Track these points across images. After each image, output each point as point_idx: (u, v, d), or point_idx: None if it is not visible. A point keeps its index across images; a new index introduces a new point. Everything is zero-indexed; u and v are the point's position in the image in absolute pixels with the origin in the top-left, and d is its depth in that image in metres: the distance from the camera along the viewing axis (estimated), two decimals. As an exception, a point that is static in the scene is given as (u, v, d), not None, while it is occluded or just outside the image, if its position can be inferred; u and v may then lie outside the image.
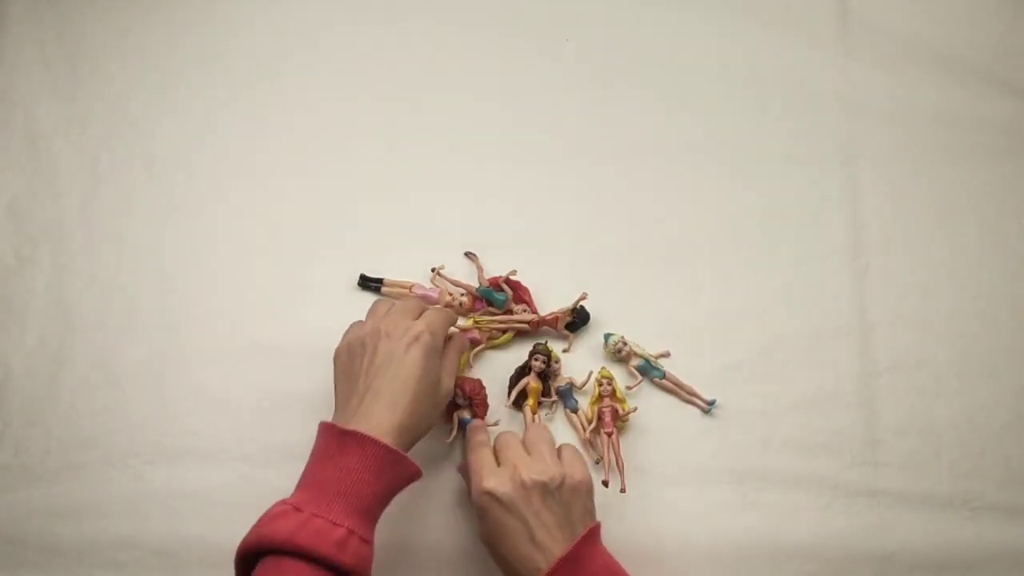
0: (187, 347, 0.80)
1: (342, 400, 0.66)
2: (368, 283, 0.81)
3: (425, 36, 0.91)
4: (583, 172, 0.87)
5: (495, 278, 0.80)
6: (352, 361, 0.67)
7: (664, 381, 0.79)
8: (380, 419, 0.62)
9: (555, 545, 0.61)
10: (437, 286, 0.81)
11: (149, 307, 0.81)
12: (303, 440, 0.71)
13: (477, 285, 0.81)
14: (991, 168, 0.88)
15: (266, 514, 0.60)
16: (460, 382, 0.74)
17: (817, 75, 0.91)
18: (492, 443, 0.69)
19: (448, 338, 0.71)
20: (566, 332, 0.80)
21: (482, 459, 0.66)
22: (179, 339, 0.80)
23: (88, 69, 0.89)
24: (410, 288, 0.80)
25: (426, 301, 0.80)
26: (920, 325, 0.82)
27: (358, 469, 0.60)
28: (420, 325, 0.67)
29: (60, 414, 0.77)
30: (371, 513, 0.61)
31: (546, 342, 0.78)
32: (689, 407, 0.79)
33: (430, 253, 0.82)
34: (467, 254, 0.82)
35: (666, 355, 0.80)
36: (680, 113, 0.89)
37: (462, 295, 0.80)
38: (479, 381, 0.76)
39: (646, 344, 0.80)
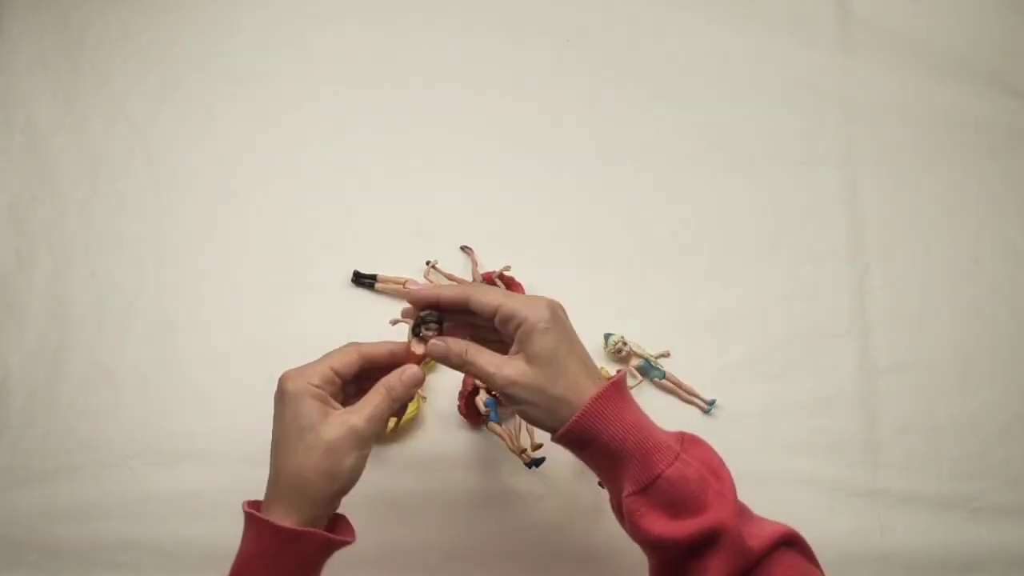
0: (186, 347, 0.80)
1: None
2: (362, 280, 0.81)
3: (424, 35, 0.91)
4: (582, 171, 0.87)
5: (489, 273, 0.80)
6: None
7: (664, 381, 0.79)
8: (272, 495, 0.58)
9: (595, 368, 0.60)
10: (431, 280, 0.81)
11: (148, 307, 0.81)
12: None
13: (471, 280, 0.81)
14: (991, 168, 0.88)
15: None
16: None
17: (817, 75, 0.91)
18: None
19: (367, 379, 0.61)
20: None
21: (502, 290, 0.62)
22: (178, 339, 0.80)
23: (88, 70, 0.89)
24: (403, 284, 0.80)
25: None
26: (920, 325, 0.83)
27: (256, 553, 0.57)
28: (284, 374, 0.59)
29: (59, 415, 0.78)
30: None
31: None
32: (689, 407, 0.79)
33: (427, 250, 0.82)
34: (463, 248, 0.82)
35: (666, 355, 0.80)
36: (680, 113, 0.89)
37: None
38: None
39: (646, 344, 0.79)
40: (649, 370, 0.79)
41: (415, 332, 0.61)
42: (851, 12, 0.93)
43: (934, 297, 0.84)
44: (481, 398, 0.75)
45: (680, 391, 0.78)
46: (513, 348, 0.59)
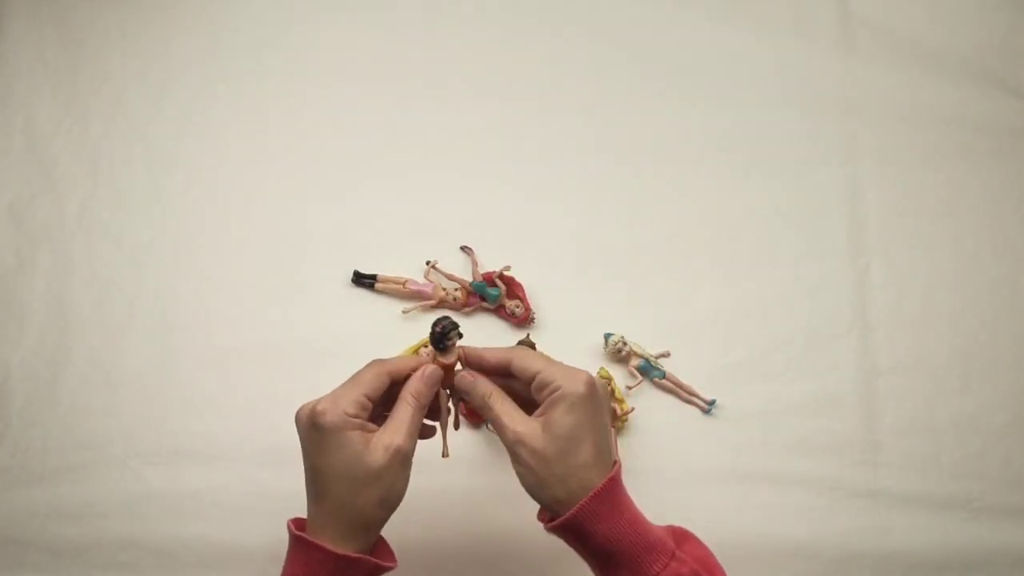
0: (186, 347, 0.80)
1: None
2: (362, 280, 0.81)
3: (424, 34, 0.91)
4: (582, 170, 0.87)
5: (489, 273, 0.80)
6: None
7: (664, 381, 0.79)
8: (323, 522, 0.57)
9: (610, 455, 0.58)
10: (431, 280, 0.81)
11: (148, 307, 0.81)
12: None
13: (471, 280, 0.81)
14: (991, 168, 0.88)
15: None
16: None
17: (817, 75, 0.91)
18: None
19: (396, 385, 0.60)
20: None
21: (543, 356, 0.60)
22: (178, 339, 0.80)
23: (88, 70, 0.89)
24: (403, 284, 0.80)
25: (420, 296, 0.80)
26: (920, 325, 0.82)
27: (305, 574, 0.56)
28: (320, 401, 0.57)
29: (60, 415, 0.78)
30: None
31: (528, 335, 0.78)
32: (689, 407, 0.79)
33: (427, 250, 0.82)
34: (463, 248, 0.82)
35: (666, 355, 0.80)
36: (680, 113, 0.89)
37: (456, 290, 0.80)
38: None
39: (646, 344, 0.79)
40: (649, 370, 0.79)
41: (438, 346, 0.60)
42: (851, 12, 0.93)
43: (934, 297, 0.84)
44: None
45: (680, 391, 0.78)
46: (538, 411, 0.57)
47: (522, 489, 0.75)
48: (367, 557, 0.57)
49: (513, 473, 0.75)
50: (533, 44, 0.91)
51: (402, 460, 0.58)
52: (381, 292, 0.81)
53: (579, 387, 0.56)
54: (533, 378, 0.58)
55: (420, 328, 0.79)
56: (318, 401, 0.57)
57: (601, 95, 0.90)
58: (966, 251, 0.85)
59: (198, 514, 0.74)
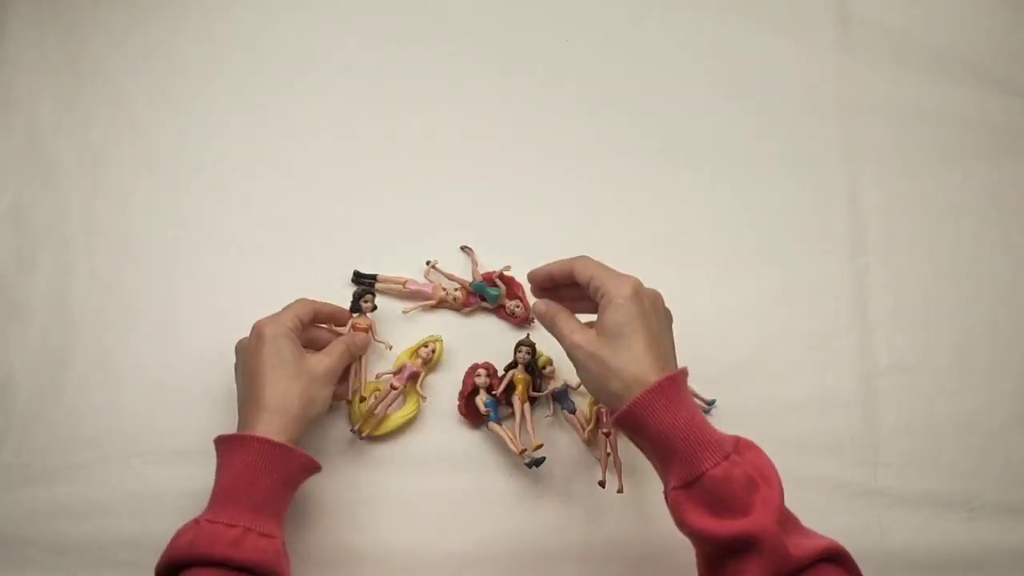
0: (188, 346, 0.80)
1: (238, 411, 0.69)
2: (361, 279, 0.81)
3: (424, 35, 0.91)
4: (581, 170, 0.87)
5: (489, 273, 0.80)
6: (236, 371, 0.72)
7: None
8: (255, 419, 0.65)
9: (671, 362, 0.63)
10: (431, 280, 0.81)
11: (149, 307, 0.81)
12: (302, 439, 0.72)
13: (471, 279, 0.81)
14: (991, 168, 0.88)
15: (173, 535, 0.62)
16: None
17: (817, 75, 0.91)
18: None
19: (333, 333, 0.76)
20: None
21: (602, 265, 0.66)
22: (179, 339, 0.80)
23: (88, 70, 0.89)
24: (404, 284, 0.81)
25: (420, 296, 0.80)
26: (920, 325, 0.82)
27: (244, 469, 0.63)
28: (260, 321, 0.70)
29: (61, 414, 0.78)
30: (269, 508, 0.63)
31: (528, 335, 0.78)
32: (689, 407, 0.79)
33: (427, 250, 0.82)
34: (463, 248, 0.82)
35: None
36: (680, 113, 0.89)
37: (456, 290, 0.80)
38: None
39: None
40: None
41: (355, 308, 0.77)
42: (851, 12, 0.93)
43: (934, 297, 0.84)
44: (481, 398, 0.75)
45: None
46: (596, 319, 0.63)
47: (523, 489, 0.76)
48: (300, 449, 0.65)
49: (512, 474, 0.76)
50: (533, 44, 0.91)
51: (330, 375, 0.71)
52: (381, 292, 0.81)
53: (624, 290, 0.62)
54: (588, 282, 0.64)
55: (420, 328, 0.80)
56: (256, 323, 0.70)
57: (601, 95, 0.90)
58: (966, 251, 0.85)
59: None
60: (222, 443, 0.65)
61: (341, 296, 0.81)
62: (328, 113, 0.88)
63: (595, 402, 0.76)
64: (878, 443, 0.78)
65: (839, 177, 0.87)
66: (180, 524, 0.73)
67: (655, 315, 0.63)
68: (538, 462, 0.73)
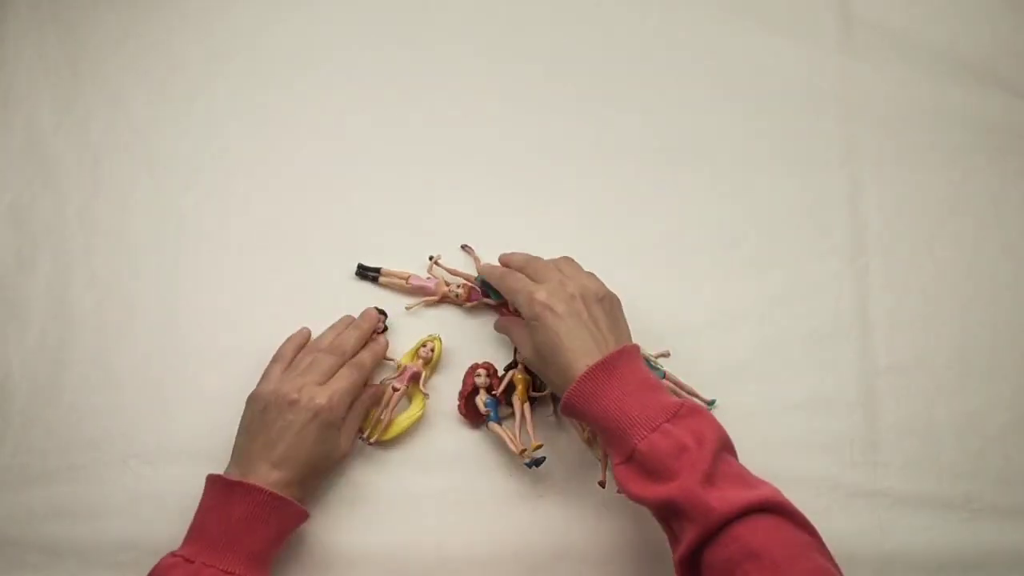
0: (187, 347, 0.80)
1: (237, 453, 0.70)
2: (366, 272, 0.81)
3: (424, 34, 0.91)
4: (580, 171, 0.87)
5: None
6: (258, 418, 0.70)
7: (664, 381, 0.78)
8: (268, 474, 0.67)
9: (607, 345, 0.67)
10: (434, 276, 0.81)
11: (149, 307, 0.81)
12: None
13: (475, 275, 0.80)
14: (992, 168, 0.88)
15: (156, 568, 0.63)
16: (465, 377, 0.77)
17: (817, 75, 0.91)
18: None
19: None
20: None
21: (522, 280, 0.71)
22: (179, 339, 0.80)
23: (88, 69, 0.89)
24: (407, 279, 0.80)
25: (422, 292, 0.81)
26: (920, 325, 0.82)
27: (244, 517, 0.64)
28: (323, 399, 0.70)
29: (60, 414, 0.78)
30: (261, 558, 0.65)
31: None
32: (689, 407, 0.79)
33: (428, 249, 0.82)
34: (463, 247, 0.82)
35: (666, 355, 0.80)
36: (680, 113, 0.89)
37: (458, 286, 0.80)
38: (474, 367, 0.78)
39: (646, 344, 0.79)
40: (649, 369, 0.78)
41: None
42: (852, 12, 0.93)
43: (935, 297, 0.83)
44: (481, 398, 0.75)
45: (680, 391, 0.78)
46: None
47: (523, 489, 0.76)
48: (296, 503, 0.67)
49: (512, 474, 0.76)
50: (534, 44, 0.91)
51: (346, 455, 0.74)
52: (384, 287, 0.81)
53: (531, 311, 0.68)
54: (511, 296, 0.72)
55: (419, 327, 0.79)
56: (319, 392, 0.70)
57: (601, 95, 0.90)
58: (966, 251, 0.85)
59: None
60: (223, 485, 0.66)
61: (342, 295, 0.81)
62: (328, 112, 0.88)
63: (595, 402, 0.76)
64: (878, 443, 0.78)
65: (839, 177, 0.87)
66: (179, 525, 0.73)
67: (572, 315, 0.67)
68: (538, 462, 0.73)
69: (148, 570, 0.71)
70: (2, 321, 0.81)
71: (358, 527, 0.74)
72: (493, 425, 0.74)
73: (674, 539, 0.61)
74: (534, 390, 0.77)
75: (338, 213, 0.85)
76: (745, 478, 0.61)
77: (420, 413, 0.76)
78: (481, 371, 0.76)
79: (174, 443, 0.77)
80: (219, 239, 0.84)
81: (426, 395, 0.77)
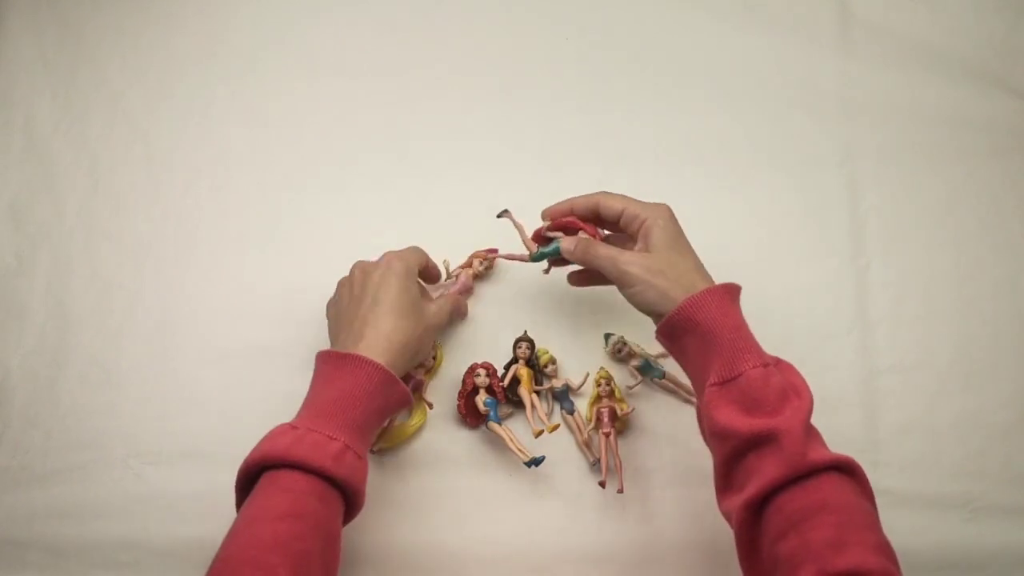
0: (187, 347, 0.80)
1: (334, 338, 0.71)
2: None
3: (426, 31, 0.92)
4: (581, 171, 0.86)
5: (538, 230, 0.75)
6: (339, 304, 0.72)
7: (664, 381, 0.78)
8: (369, 342, 0.66)
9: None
10: (457, 271, 0.81)
11: (148, 307, 0.81)
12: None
13: (524, 245, 0.76)
14: (991, 168, 0.88)
15: (266, 436, 0.63)
16: (464, 377, 0.77)
17: (817, 75, 0.91)
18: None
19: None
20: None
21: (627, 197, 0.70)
22: (179, 339, 0.80)
23: (87, 69, 0.89)
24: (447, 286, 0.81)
25: (465, 291, 0.81)
26: (921, 325, 0.82)
27: (353, 389, 0.64)
28: (389, 255, 0.71)
29: (60, 415, 0.78)
30: (365, 430, 0.64)
31: (525, 332, 0.78)
32: (689, 407, 0.79)
33: (428, 250, 0.82)
34: (502, 214, 0.76)
35: (666, 355, 0.79)
36: (680, 113, 0.89)
37: (480, 262, 0.81)
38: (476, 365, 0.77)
39: (646, 344, 0.79)
40: (649, 370, 0.78)
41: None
42: (851, 12, 0.93)
43: (935, 297, 0.83)
44: (481, 398, 0.75)
45: (680, 391, 0.78)
46: (636, 246, 0.67)
47: (523, 489, 0.76)
48: (401, 382, 0.66)
49: (512, 474, 0.76)
50: (534, 43, 0.92)
51: (438, 328, 0.74)
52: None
53: (664, 212, 0.68)
54: (620, 215, 0.68)
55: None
56: (385, 256, 0.72)
57: (600, 95, 0.90)
58: (966, 251, 0.85)
59: (198, 514, 0.74)
60: (333, 357, 0.66)
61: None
62: (328, 112, 0.88)
63: (594, 403, 0.76)
64: (878, 443, 0.78)
65: (839, 177, 0.87)
66: (179, 525, 0.74)
67: (686, 238, 0.69)
68: (538, 461, 0.73)
69: (149, 571, 0.71)
70: (1, 321, 0.81)
71: (358, 527, 0.74)
72: (493, 425, 0.74)
73: (743, 478, 0.59)
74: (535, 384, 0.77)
75: (338, 213, 0.85)
76: (823, 440, 0.62)
77: (422, 421, 0.76)
78: (481, 371, 0.76)
79: (174, 443, 0.77)
80: (219, 239, 0.84)
81: (429, 404, 0.77)
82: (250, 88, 0.89)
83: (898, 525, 0.75)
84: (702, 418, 0.63)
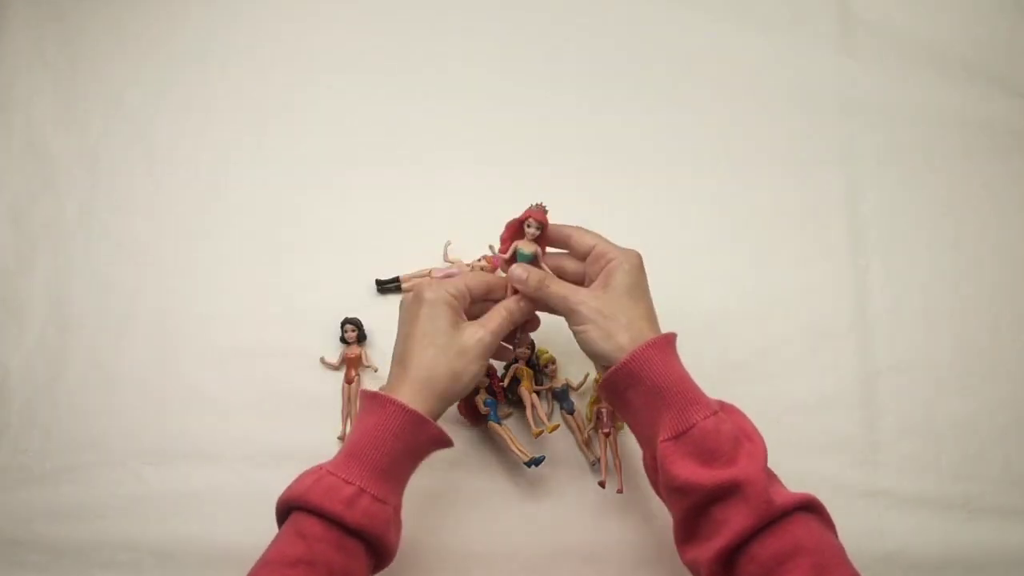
0: (186, 348, 0.80)
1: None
2: (386, 286, 0.81)
3: (426, 32, 0.92)
4: (581, 170, 0.87)
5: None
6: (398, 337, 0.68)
7: (570, 417, 0.78)
8: (397, 380, 0.64)
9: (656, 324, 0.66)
10: (452, 262, 0.81)
11: (149, 307, 0.81)
12: (303, 440, 0.72)
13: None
14: (991, 168, 0.88)
15: (302, 473, 0.62)
16: None
17: (817, 75, 0.91)
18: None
19: (491, 301, 0.70)
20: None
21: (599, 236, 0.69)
22: (178, 340, 0.80)
23: (87, 69, 0.89)
24: (429, 274, 0.80)
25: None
26: (920, 325, 0.82)
27: (375, 430, 0.61)
28: (427, 282, 0.68)
29: (59, 415, 0.78)
30: (390, 474, 0.62)
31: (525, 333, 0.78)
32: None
33: (427, 246, 0.82)
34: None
35: (579, 390, 0.79)
36: (680, 113, 0.89)
37: (478, 260, 0.80)
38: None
39: (575, 372, 0.79)
40: (564, 400, 0.78)
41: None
42: (852, 12, 0.93)
43: (935, 297, 0.84)
44: (481, 398, 0.75)
45: (577, 434, 0.78)
46: (595, 283, 0.66)
47: (523, 489, 0.76)
48: (432, 422, 0.63)
49: (510, 474, 0.76)
50: (533, 45, 0.91)
51: (483, 349, 0.66)
52: (410, 290, 0.80)
53: (633, 258, 0.66)
54: (590, 251, 0.67)
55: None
56: (423, 283, 0.68)
57: (601, 96, 0.90)
58: (966, 251, 0.85)
59: (198, 514, 0.74)
60: (365, 399, 0.64)
61: (341, 294, 0.81)
62: (328, 112, 0.88)
63: (595, 402, 0.76)
64: (878, 443, 0.78)
65: (839, 177, 0.87)
66: (178, 525, 0.74)
67: (647, 287, 0.67)
68: (538, 461, 0.73)
69: (148, 571, 0.71)
70: (1, 321, 0.81)
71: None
72: (493, 425, 0.74)
73: (710, 529, 0.58)
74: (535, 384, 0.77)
75: (338, 212, 0.85)
76: (780, 480, 0.61)
77: None
78: None
79: (173, 444, 0.77)
80: (219, 239, 0.84)
81: None
82: (250, 88, 0.89)
83: (897, 525, 0.76)
84: (653, 471, 0.63)
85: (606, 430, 0.74)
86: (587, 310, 0.64)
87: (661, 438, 0.60)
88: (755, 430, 0.62)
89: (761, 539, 0.56)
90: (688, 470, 0.58)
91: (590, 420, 0.76)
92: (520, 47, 0.91)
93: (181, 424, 0.77)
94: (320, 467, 0.61)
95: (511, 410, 0.77)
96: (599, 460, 0.74)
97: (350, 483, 0.59)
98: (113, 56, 0.90)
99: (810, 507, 0.59)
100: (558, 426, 0.75)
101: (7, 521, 0.74)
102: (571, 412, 0.77)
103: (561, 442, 0.77)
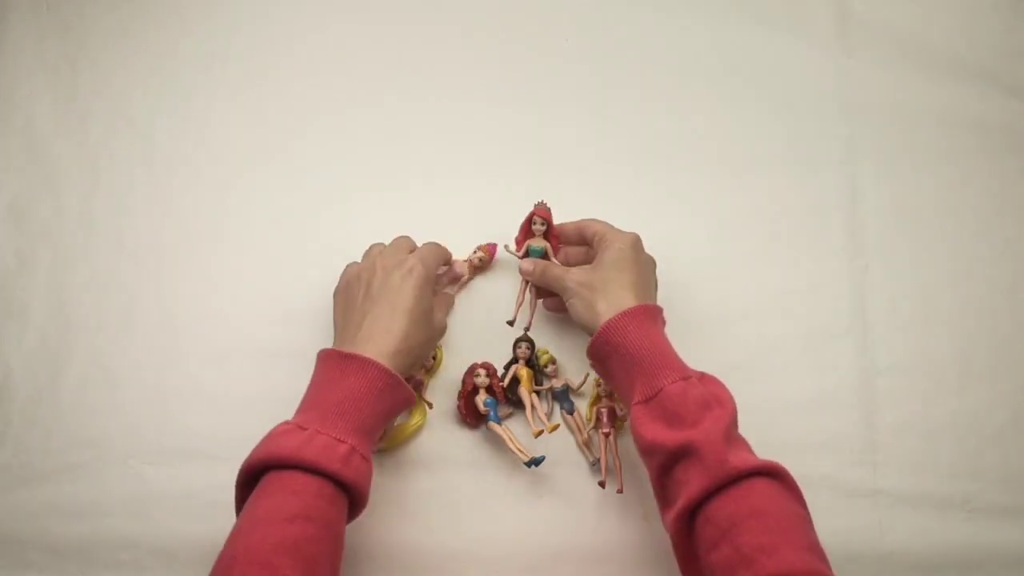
0: (187, 347, 0.80)
1: (340, 330, 0.71)
2: None
3: (426, 33, 0.92)
4: (582, 171, 0.87)
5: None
6: (349, 295, 0.71)
7: (570, 417, 0.78)
8: (378, 344, 0.66)
9: (649, 297, 0.71)
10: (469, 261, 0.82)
11: (149, 307, 0.81)
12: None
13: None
14: (991, 168, 0.88)
15: (269, 434, 0.63)
16: (465, 377, 0.76)
17: (817, 75, 0.91)
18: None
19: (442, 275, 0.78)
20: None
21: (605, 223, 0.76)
22: (179, 339, 0.80)
23: (88, 70, 0.89)
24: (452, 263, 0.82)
25: (453, 279, 0.81)
26: (920, 325, 0.83)
27: (359, 390, 0.64)
28: (413, 259, 0.72)
29: (60, 414, 0.78)
30: (371, 432, 0.65)
31: (525, 332, 0.78)
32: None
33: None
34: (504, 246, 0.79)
35: (580, 393, 0.79)
36: (680, 113, 0.89)
37: (475, 251, 0.81)
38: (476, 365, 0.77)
39: (576, 372, 0.79)
40: (564, 400, 0.78)
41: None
42: (851, 12, 0.93)
43: (934, 297, 0.84)
44: (481, 398, 0.75)
45: (577, 435, 0.78)
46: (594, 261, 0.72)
47: (523, 489, 0.76)
48: (408, 386, 0.67)
49: (512, 474, 0.76)
50: (533, 44, 0.91)
51: (443, 329, 0.75)
52: None
53: (625, 237, 0.72)
54: (595, 235, 0.73)
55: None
56: (409, 258, 0.72)
57: (600, 96, 0.90)
58: (965, 251, 0.85)
59: (198, 514, 0.74)
60: (338, 358, 0.66)
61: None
62: (329, 112, 0.88)
63: (595, 402, 0.76)
64: (878, 443, 0.78)
65: (839, 177, 0.87)
66: (179, 524, 0.74)
67: (646, 264, 0.72)
68: (538, 462, 0.73)
69: (148, 570, 0.71)
70: (2, 321, 0.81)
71: (358, 527, 0.74)
72: (493, 425, 0.74)
73: (674, 491, 0.61)
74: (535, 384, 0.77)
75: (338, 212, 0.85)
76: (750, 447, 0.63)
77: (423, 421, 0.76)
78: (481, 371, 0.76)
79: (173, 443, 0.77)
80: (219, 239, 0.84)
81: (429, 404, 0.77)
82: (250, 88, 0.89)
83: (895, 525, 0.76)
84: (631, 428, 0.65)
85: (606, 430, 0.74)
86: (573, 284, 0.70)
87: (633, 401, 0.64)
88: (729, 397, 0.64)
89: (718, 500, 0.58)
90: (654, 431, 0.61)
91: (590, 420, 0.76)
92: (520, 47, 0.91)
93: (182, 423, 0.77)
94: (299, 427, 0.62)
95: (511, 410, 0.77)
96: (599, 460, 0.74)
97: (343, 441, 0.61)
98: (114, 57, 0.90)
99: (772, 473, 0.60)
100: (558, 426, 0.75)
101: (9, 520, 0.74)
102: (571, 412, 0.77)
103: (561, 442, 0.77)
